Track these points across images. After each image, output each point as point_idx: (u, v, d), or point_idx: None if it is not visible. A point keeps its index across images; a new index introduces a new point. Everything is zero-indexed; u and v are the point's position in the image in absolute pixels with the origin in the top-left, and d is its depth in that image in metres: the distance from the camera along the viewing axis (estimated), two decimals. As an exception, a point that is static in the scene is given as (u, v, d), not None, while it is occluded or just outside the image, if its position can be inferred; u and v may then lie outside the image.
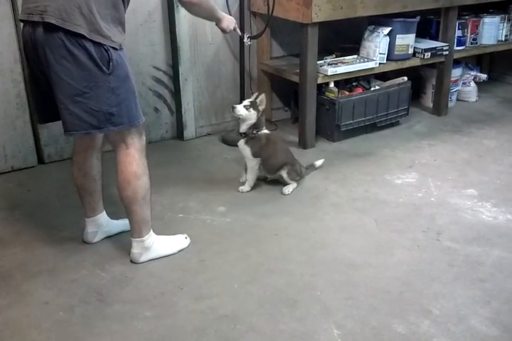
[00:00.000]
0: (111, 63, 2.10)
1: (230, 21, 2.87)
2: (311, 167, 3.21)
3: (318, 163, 3.23)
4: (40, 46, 2.08)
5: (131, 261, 2.48)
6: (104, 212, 2.63)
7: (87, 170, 2.48)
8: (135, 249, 2.46)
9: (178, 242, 2.60)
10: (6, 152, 3.30)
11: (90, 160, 2.46)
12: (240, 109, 2.96)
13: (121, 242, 2.62)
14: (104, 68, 2.09)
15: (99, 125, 2.16)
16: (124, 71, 2.17)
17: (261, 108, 2.99)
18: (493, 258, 2.51)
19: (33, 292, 2.31)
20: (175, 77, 3.70)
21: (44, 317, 2.16)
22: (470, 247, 2.59)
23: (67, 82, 2.09)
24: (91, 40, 2.04)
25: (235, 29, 2.96)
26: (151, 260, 2.49)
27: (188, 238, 2.63)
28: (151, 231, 2.48)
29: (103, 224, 2.63)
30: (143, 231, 2.43)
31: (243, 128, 3.02)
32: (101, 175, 2.51)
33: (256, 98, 3.01)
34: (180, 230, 2.71)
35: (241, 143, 3.05)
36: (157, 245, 2.50)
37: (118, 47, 2.12)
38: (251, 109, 2.97)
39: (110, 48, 2.09)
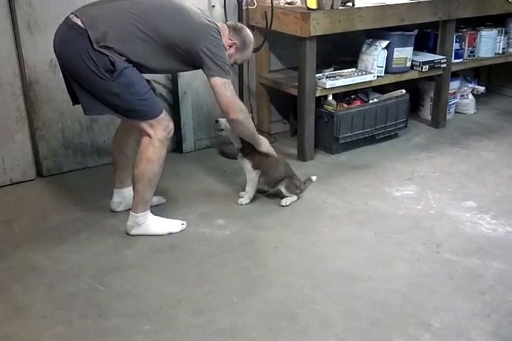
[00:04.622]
0: (115, 73, 2.45)
1: (267, 145, 3.03)
2: (309, 181, 3.20)
3: (314, 177, 3.23)
4: None
5: (126, 232, 2.77)
6: (131, 187, 2.80)
7: (122, 147, 2.87)
8: (129, 222, 2.77)
9: (170, 225, 2.82)
10: (5, 165, 3.30)
11: (128, 140, 2.84)
12: (222, 122, 2.98)
13: (119, 256, 2.63)
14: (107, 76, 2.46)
15: (107, 112, 2.59)
16: (128, 79, 2.49)
17: None
18: (493, 270, 2.51)
19: (32, 306, 2.30)
20: (174, 90, 3.71)
21: (42, 332, 2.15)
22: (470, 259, 2.59)
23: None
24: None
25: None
26: (141, 235, 2.75)
27: (184, 224, 2.84)
28: (148, 211, 2.76)
29: (127, 196, 2.93)
30: (139, 208, 2.73)
31: (237, 144, 3.03)
32: (134, 154, 2.73)
33: None
34: (179, 243, 2.71)
35: (240, 156, 3.06)
36: (148, 223, 2.77)
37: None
38: None
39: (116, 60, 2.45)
